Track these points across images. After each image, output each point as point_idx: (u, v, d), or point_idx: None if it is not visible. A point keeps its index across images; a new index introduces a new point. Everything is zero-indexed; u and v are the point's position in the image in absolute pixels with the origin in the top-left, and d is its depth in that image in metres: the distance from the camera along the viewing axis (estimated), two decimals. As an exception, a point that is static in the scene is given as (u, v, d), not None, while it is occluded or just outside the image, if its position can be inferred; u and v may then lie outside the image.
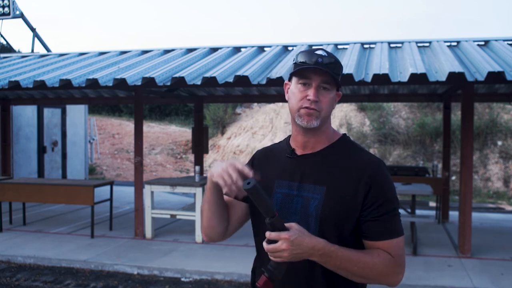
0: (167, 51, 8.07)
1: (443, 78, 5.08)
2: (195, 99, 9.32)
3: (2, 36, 11.48)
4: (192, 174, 14.45)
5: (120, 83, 5.89)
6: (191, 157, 17.11)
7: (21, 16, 10.80)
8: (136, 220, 6.77)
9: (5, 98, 9.73)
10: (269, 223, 1.32)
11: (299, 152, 1.57)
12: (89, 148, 15.80)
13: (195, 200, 6.72)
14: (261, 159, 1.67)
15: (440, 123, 13.72)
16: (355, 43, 7.51)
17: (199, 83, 5.65)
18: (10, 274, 5.40)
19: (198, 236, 6.49)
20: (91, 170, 15.77)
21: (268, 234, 1.33)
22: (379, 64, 5.68)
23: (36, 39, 11.08)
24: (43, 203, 8.80)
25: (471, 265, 5.47)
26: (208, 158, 17.48)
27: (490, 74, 4.92)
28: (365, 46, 7.46)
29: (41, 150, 11.25)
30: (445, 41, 7.23)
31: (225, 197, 1.63)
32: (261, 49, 7.73)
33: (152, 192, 6.68)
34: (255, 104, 20.35)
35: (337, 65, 1.49)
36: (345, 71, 5.33)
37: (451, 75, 4.95)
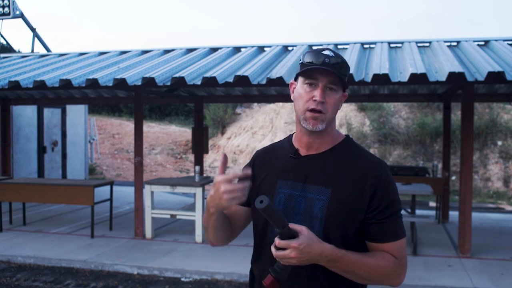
0: (167, 51, 8.08)
1: (443, 78, 5.08)
2: (195, 99, 9.32)
3: (2, 36, 11.49)
4: (192, 174, 14.45)
5: (120, 83, 5.89)
6: (191, 157, 17.11)
7: (21, 16, 10.80)
8: (136, 220, 6.77)
9: (5, 98, 9.73)
10: (280, 232, 1.33)
11: (303, 152, 1.56)
12: (89, 148, 15.80)
13: (195, 200, 6.72)
14: (262, 160, 1.66)
15: (440, 123, 13.72)
16: (355, 43, 7.51)
17: (199, 83, 5.65)
18: (10, 274, 5.40)
19: (198, 236, 6.49)
20: (91, 170, 15.77)
21: (277, 241, 1.33)
22: (379, 64, 5.68)
23: (36, 39, 11.08)
24: (43, 203, 8.80)
25: (471, 265, 5.47)
26: (208, 158, 17.48)
27: (490, 74, 4.92)
28: (365, 46, 7.46)
29: (41, 150, 11.25)
30: (445, 41, 7.23)
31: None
32: (261, 49, 7.74)
33: (152, 192, 6.68)
34: (255, 104, 20.35)
35: (344, 65, 1.48)
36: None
37: (451, 75, 4.95)
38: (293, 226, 1.33)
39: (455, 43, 7.25)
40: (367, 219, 1.46)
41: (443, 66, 5.44)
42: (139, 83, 5.80)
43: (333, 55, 1.46)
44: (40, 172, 11.24)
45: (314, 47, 7.69)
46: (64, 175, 11.96)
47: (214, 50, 7.84)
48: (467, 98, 5.98)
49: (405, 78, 5.22)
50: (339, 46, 7.59)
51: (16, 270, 5.56)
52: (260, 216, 1.55)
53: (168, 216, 6.76)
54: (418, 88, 7.83)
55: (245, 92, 8.73)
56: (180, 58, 7.29)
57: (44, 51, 10.83)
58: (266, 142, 16.48)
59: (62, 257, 5.78)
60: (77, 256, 5.82)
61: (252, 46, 7.72)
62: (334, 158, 1.52)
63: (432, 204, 9.58)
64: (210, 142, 18.58)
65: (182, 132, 20.90)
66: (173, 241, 6.56)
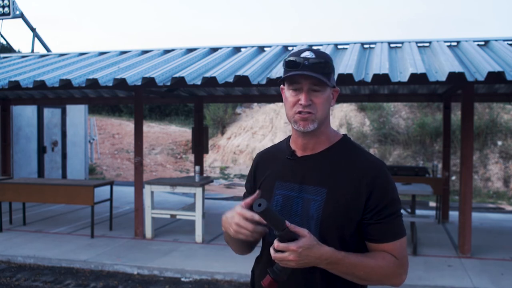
0: (167, 51, 8.08)
1: (443, 78, 5.08)
2: (195, 99, 9.32)
3: (2, 36, 11.49)
4: (192, 174, 14.45)
5: (120, 83, 5.89)
6: (191, 157, 17.11)
7: (21, 16, 10.80)
8: (136, 220, 6.77)
9: (5, 98, 9.73)
10: (279, 235, 1.33)
11: (299, 153, 1.56)
12: (89, 148, 15.80)
13: (195, 200, 6.71)
14: (262, 162, 1.67)
15: (440, 123, 13.72)
16: (355, 43, 7.51)
17: (199, 83, 5.65)
18: (10, 274, 5.40)
19: (198, 236, 6.49)
20: (91, 170, 15.77)
21: (276, 244, 1.33)
22: (379, 64, 5.68)
23: (36, 39, 11.08)
24: (43, 203, 8.80)
25: (471, 265, 5.47)
26: (208, 158, 17.49)
27: (490, 74, 4.92)
28: (365, 46, 7.46)
29: (41, 150, 11.25)
30: (445, 41, 7.23)
31: None
32: (261, 49, 7.74)
33: (152, 192, 6.68)
34: (255, 104, 20.35)
35: (327, 64, 1.46)
36: (345, 71, 5.33)
37: (451, 75, 4.95)
38: (294, 228, 1.32)
39: (455, 43, 7.25)
40: (365, 219, 1.45)
41: (443, 66, 5.44)
42: (139, 83, 5.80)
43: (313, 56, 1.45)
44: (40, 172, 11.24)
45: (313, 47, 7.68)
46: (64, 175, 11.96)
47: (214, 50, 7.84)
48: (467, 98, 5.98)
49: (405, 78, 5.22)
50: (339, 46, 7.59)
51: (16, 270, 5.56)
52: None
53: (168, 216, 6.76)
54: (418, 88, 7.83)
55: (245, 92, 8.73)
56: (180, 58, 7.29)
57: (44, 51, 10.83)
58: (266, 142, 16.49)
59: (62, 257, 5.78)
60: (77, 256, 5.82)
61: (252, 46, 7.72)
62: (331, 158, 1.52)
63: (432, 204, 9.58)
64: (210, 142, 18.59)
65: (182, 132, 20.90)
66: (173, 241, 6.56)
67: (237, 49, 7.79)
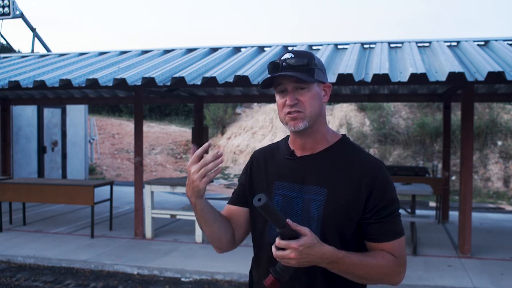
0: (167, 51, 8.07)
1: (443, 78, 5.08)
2: (195, 99, 9.32)
3: (2, 36, 11.49)
4: (192, 174, 14.41)
5: (120, 83, 5.89)
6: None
7: (21, 16, 10.80)
8: (136, 220, 6.77)
9: (5, 98, 9.74)
10: (280, 232, 1.32)
11: (298, 153, 1.56)
12: (89, 148, 15.80)
13: (195, 200, 6.71)
14: (260, 161, 1.66)
15: (440, 123, 13.72)
16: (355, 43, 7.51)
17: (199, 83, 5.65)
18: (10, 274, 5.40)
19: (198, 236, 6.50)
20: (91, 170, 15.77)
21: (277, 242, 1.33)
22: (379, 64, 5.68)
23: (36, 39, 11.08)
24: (43, 203, 8.80)
25: (471, 265, 5.47)
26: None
27: (490, 74, 4.92)
28: (365, 46, 7.46)
29: (41, 150, 11.25)
30: (445, 41, 7.23)
31: (226, 207, 1.65)
32: (261, 49, 7.74)
33: (152, 192, 6.68)
34: (255, 104, 20.35)
35: (306, 61, 1.46)
36: (345, 71, 5.33)
37: (451, 75, 4.95)
38: (296, 226, 1.32)
39: (455, 43, 7.25)
40: (365, 219, 1.46)
41: (443, 66, 5.44)
42: (139, 83, 5.80)
43: (292, 56, 1.46)
44: (40, 172, 11.24)
45: (313, 47, 7.69)
46: (64, 175, 11.96)
47: (214, 50, 7.84)
48: (467, 98, 5.98)
49: (405, 78, 5.22)
50: (339, 46, 7.59)
51: (16, 270, 5.56)
52: (258, 217, 1.54)
53: (168, 216, 6.76)
54: (418, 88, 7.83)
55: (245, 92, 8.74)
56: (180, 58, 7.29)
57: (44, 51, 10.83)
58: (266, 142, 16.48)
59: (62, 257, 5.78)
60: (77, 256, 5.82)
61: (252, 46, 7.72)
62: (330, 158, 1.52)
63: (432, 204, 9.58)
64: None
65: (182, 132, 20.90)
66: (173, 241, 6.56)
67: (237, 49, 7.79)
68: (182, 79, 5.67)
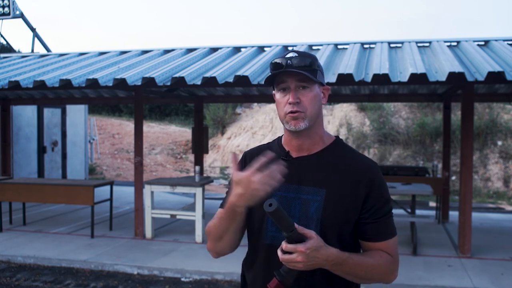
0: (167, 51, 8.07)
1: (443, 78, 5.08)
2: (195, 99, 9.32)
3: (2, 36, 11.48)
4: (192, 174, 14.45)
5: (120, 83, 5.89)
6: (191, 157, 17.11)
7: (21, 16, 10.80)
8: (136, 220, 6.77)
9: (5, 98, 9.73)
10: (287, 236, 1.32)
11: (294, 154, 1.56)
12: (89, 148, 15.80)
13: (195, 200, 6.71)
14: (253, 161, 1.62)
15: (440, 123, 13.72)
16: (355, 43, 7.51)
17: (199, 83, 5.65)
18: (10, 274, 5.40)
19: (198, 236, 6.50)
20: (91, 170, 15.77)
21: (284, 245, 1.32)
22: (379, 64, 5.68)
23: (36, 39, 11.08)
24: (43, 203, 8.80)
25: (471, 265, 5.47)
26: (208, 158, 17.48)
27: (490, 74, 4.92)
28: (365, 46, 7.46)
29: (41, 150, 11.25)
30: (445, 41, 7.23)
31: (219, 212, 1.61)
32: (261, 49, 7.74)
33: (152, 192, 6.68)
34: (255, 104, 20.35)
35: (311, 61, 1.47)
36: (345, 71, 5.33)
37: (451, 75, 4.95)
38: (302, 230, 1.32)
39: (455, 43, 7.25)
40: (362, 219, 1.48)
41: (443, 66, 5.44)
42: (139, 83, 5.80)
43: (297, 55, 1.46)
44: (40, 172, 11.24)
45: (313, 47, 7.69)
46: (64, 175, 11.96)
47: (214, 50, 7.84)
48: (467, 98, 5.98)
49: (405, 78, 5.22)
50: (339, 46, 7.59)
51: (16, 270, 5.56)
52: (254, 218, 1.53)
53: (168, 216, 6.76)
54: (418, 88, 7.83)
55: (245, 92, 8.73)
56: (180, 58, 7.29)
57: (44, 51, 10.83)
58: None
59: (62, 257, 5.78)
60: (77, 256, 5.82)
61: (252, 46, 7.72)
62: (326, 160, 1.53)
63: (432, 204, 9.58)
64: (210, 142, 18.59)
65: (182, 132, 20.90)
66: (173, 241, 6.56)
67: (237, 49, 7.79)
68: (182, 79, 5.67)
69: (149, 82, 5.83)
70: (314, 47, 7.69)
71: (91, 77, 5.98)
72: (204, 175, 9.44)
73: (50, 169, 11.54)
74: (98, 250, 6.07)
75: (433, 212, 8.53)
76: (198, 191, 6.53)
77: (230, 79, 5.58)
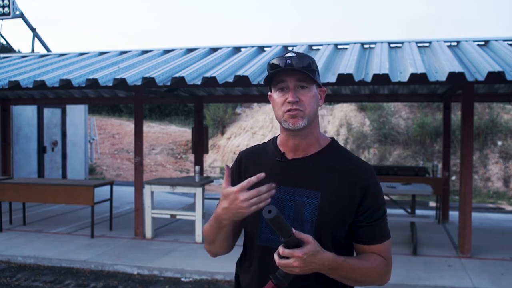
0: (167, 51, 8.08)
1: (443, 78, 5.08)
2: (195, 99, 9.32)
3: (2, 36, 11.48)
4: (192, 174, 14.45)
5: (120, 83, 5.89)
6: (191, 157, 17.11)
7: (21, 16, 10.80)
8: (136, 220, 6.77)
9: (5, 98, 9.73)
10: (285, 241, 1.32)
11: (289, 156, 1.54)
12: (89, 148, 15.80)
13: (195, 200, 6.72)
14: (249, 161, 1.63)
15: (440, 123, 13.72)
16: (355, 43, 7.51)
17: (199, 83, 5.65)
18: (10, 274, 5.40)
19: (198, 236, 6.50)
20: (91, 170, 15.77)
21: (281, 250, 1.32)
22: (379, 64, 5.68)
23: (36, 39, 11.08)
24: (43, 203, 8.80)
25: (471, 265, 5.47)
26: (208, 158, 17.48)
27: (490, 74, 4.92)
28: (365, 46, 7.46)
29: (41, 150, 11.25)
30: (445, 41, 7.23)
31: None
32: (261, 49, 7.74)
33: (152, 192, 6.68)
34: (255, 104, 20.35)
35: (309, 62, 1.47)
36: (345, 71, 5.33)
37: (451, 75, 4.95)
38: (299, 235, 1.32)
39: (455, 43, 7.25)
40: (357, 222, 1.48)
41: (443, 66, 5.44)
42: (139, 83, 5.80)
43: (295, 55, 1.46)
44: (40, 172, 11.24)
45: (313, 47, 7.69)
46: (64, 175, 11.96)
47: (214, 50, 7.84)
48: (467, 98, 5.98)
49: (405, 78, 5.22)
50: (339, 46, 7.59)
51: (16, 270, 5.56)
52: (249, 220, 1.52)
53: (168, 216, 6.76)
54: (418, 88, 7.83)
55: (245, 92, 8.73)
56: (180, 58, 7.29)
57: (44, 51, 10.83)
58: (266, 142, 16.44)
59: (62, 257, 5.78)
60: (77, 256, 5.82)
61: (252, 46, 7.72)
62: (322, 162, 1.52)
63: (432, 204, 9.58)
64: (210, 142, 18.59)
65: (182, 132, 20.90)
66: (173, 241, 6.56)
67: (237, 49, 7.79)
68: (182, 79, 5.67)
69: (149, 82, 5.83)
70: (314, 47, 7.69)
71: (91, 77, 5.98)
72: (204, 175, 9.44)
73: (50, 169, 11.54)
74: (98, 250, 6.07)
75: (433, 212, 8.53)
76: (198, 191, 6.53)
77: (230, 79, 5.58)
